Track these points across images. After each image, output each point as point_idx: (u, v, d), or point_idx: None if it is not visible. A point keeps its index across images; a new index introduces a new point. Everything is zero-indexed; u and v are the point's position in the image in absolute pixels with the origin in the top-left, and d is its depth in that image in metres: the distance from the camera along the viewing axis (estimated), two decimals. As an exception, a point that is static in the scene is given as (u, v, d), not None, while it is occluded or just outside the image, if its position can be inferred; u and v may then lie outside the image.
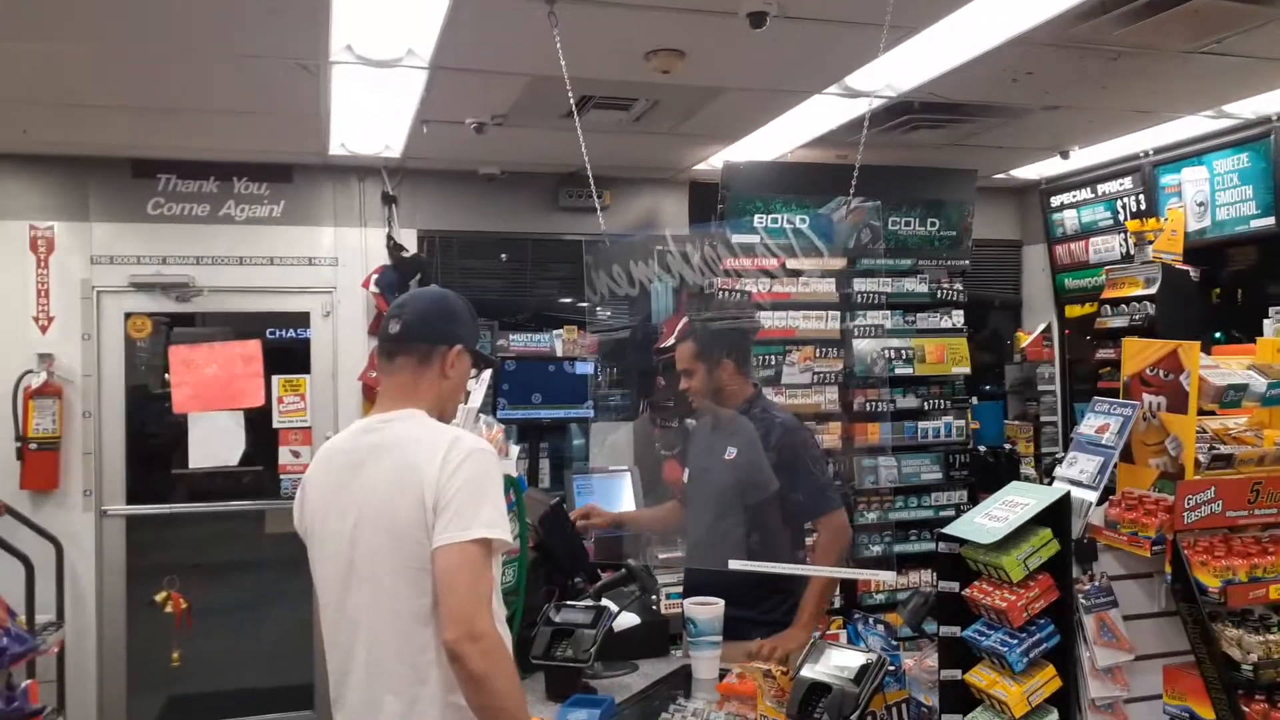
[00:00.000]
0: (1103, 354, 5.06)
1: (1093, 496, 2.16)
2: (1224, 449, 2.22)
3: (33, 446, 4.89)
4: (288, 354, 5.40)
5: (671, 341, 5.00)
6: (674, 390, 4.99)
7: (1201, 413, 2.24)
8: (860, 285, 5.10)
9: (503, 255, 5.81)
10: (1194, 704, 2.09)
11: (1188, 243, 5.10)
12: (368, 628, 1.99)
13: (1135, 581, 2.17)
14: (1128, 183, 5.56)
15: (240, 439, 5.20)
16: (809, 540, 3.46)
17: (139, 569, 5.16)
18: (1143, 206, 5.44)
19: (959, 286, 5.37)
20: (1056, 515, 2.08)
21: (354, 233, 5.48)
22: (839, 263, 5.07)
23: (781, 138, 4.94)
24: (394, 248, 5.42)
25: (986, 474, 5.34)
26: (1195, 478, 2.14)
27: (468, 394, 2.48)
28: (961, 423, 5.31)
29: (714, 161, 5.34)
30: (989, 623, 2.07)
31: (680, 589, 3.56)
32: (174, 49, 3.54)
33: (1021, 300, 6.59)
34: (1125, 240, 5.49)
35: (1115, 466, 2.23)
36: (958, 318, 5.33)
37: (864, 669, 2.17)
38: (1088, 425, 2.30)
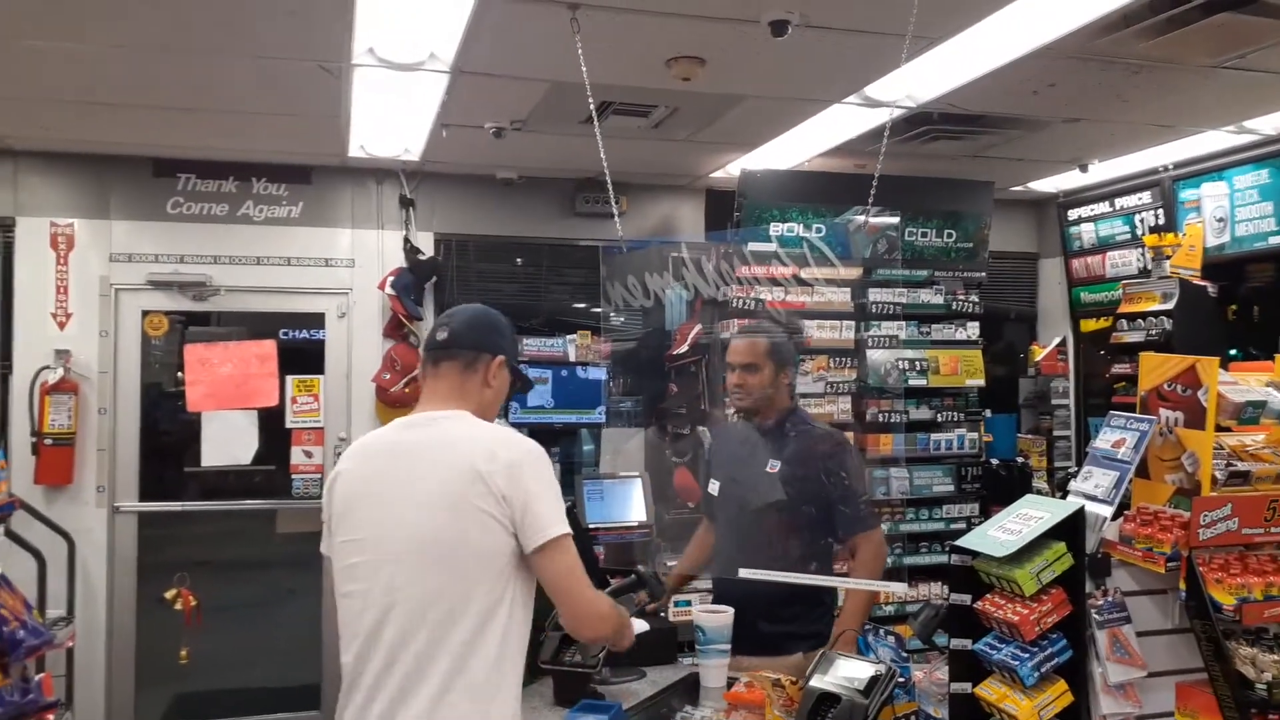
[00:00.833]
0: (1118, 369, 5.01)
1: (1108, 511, 2.14)
2: (1241, 466, 2.20)
3: (48, 442, 4.92)
4: (302, 354, 5.41)
5: (686, 349, 5.01)
6: (685, 397, 4.99)
7: (1219, 429, 2.23)
8: (875, 295, 5.11)
9: (518, 260, 5.82)
10: (1207, 722, 2.07)
11: (1206, 258, 5.06)
12: (404, 614, 1.97)
13: (1149, 597, 2.16)
14: (1146, 197, 5.52)
15: (253, 438, 5.23)
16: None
17: (150, 565, 5.17)
18: (1161, 221, 5.41)
19: (974, 298, 5.37)
20: (1071, 529, 2.07)
21: (371, 235, 5.49)
22: (855, 272, 5.08)
23: (799, 146, 4.93)
24: (410, 250, 5.45)
25: (998, 487, 5.33)
26: (1212, 494, 2.13)
27: None
28: (974, 435, 5.31)
29: (731, 169, 5.33)
30: (1000, 636, 2.06)
31: (688, 598, 3.55)
32: (196, 49, 3.56)
33: (1037, 313, 6.55)
34: (1143, 255, 5.44)
35: (1130, 481, 2.22)
36: (973, 330, 5.32)
37: (873, 680, 2.17)
38: (1104, 439, 2.29)
